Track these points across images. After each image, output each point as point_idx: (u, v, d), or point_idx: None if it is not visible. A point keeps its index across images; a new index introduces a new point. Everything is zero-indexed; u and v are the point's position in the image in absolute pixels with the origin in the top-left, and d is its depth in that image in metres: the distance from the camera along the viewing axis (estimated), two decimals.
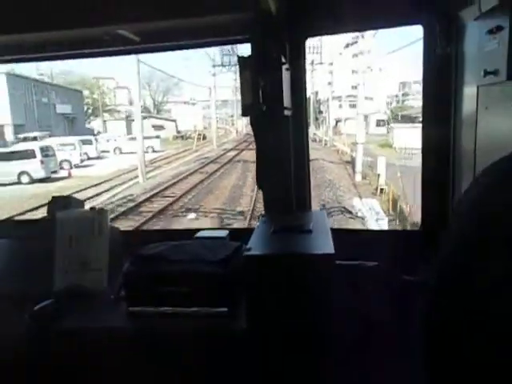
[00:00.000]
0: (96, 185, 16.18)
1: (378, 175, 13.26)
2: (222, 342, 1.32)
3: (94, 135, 31.74)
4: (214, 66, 29.77)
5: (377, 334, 1.50)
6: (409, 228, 8.52)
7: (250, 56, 1.59)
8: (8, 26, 1.57)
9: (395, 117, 39.08)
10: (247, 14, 1.56)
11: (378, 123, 38.97)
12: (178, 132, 45.13)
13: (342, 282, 1.31)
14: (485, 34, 1.29)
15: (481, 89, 1.41)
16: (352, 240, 1.73)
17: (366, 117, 38.12)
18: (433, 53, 1.63)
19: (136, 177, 17.25)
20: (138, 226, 9.82)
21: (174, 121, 46.94)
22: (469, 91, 1.53)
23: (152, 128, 41.62)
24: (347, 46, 20.90)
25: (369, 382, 1.52)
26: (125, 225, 9.92)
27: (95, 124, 46.30)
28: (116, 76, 58.68)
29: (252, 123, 1.69)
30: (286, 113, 1.65)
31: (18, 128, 29.34)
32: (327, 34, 2.08)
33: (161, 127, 43.08)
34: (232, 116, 55.35)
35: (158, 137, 31.16)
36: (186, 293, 1.36)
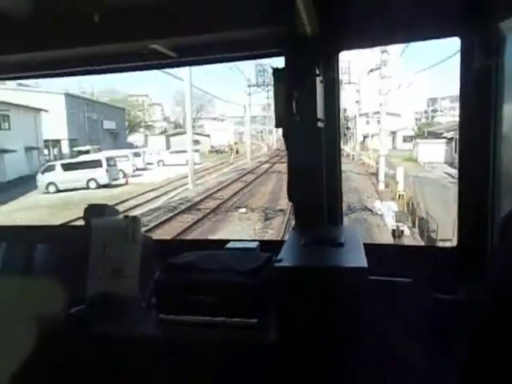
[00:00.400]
0: (152, 190, 19.25)
1: (397, 182, 15.63)
2: (251, 353, 1.34)
3: (134, 148, 35.39)
4: (249, 86, 33.04)
5: (408, 351, 1.48)
6: (417, 221, 10.89)
7: (284, 68, 1.65)
8: (50, 42, 1.68)
9: (421, 133, 40.89)
10: (281, 28, 1.60)
11: (405, 139, 41.04)
12: (212, 146, 48.62)
13: (374, 298, 1.31)
14: None
15: None
16: (385, 255, 1.72)
17: (393, 133, 40.24)
18: (471, 66, 1.59)
19: (185, 184, 20.24)
20: (199, 219, 12.61)
21: (209, 136, 50.48)
22: (510, 105, 1.50)
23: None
24: (371, 71, 23.49)
25: None
26: (188, 218, 12.77)
27: (132, 139, 50.39)
28: (150, 93, 63.52)
29: (284, 135, 1.73)
30: (319, 125, 1.68)
31: (72, 142, 33.35)
32: (361, 47, 2.03)
33: (197, 142, 46.56)
34: (261, 132, 58.54)
35: (197, 150, 34.40)
36: (216, 302, 1.41)
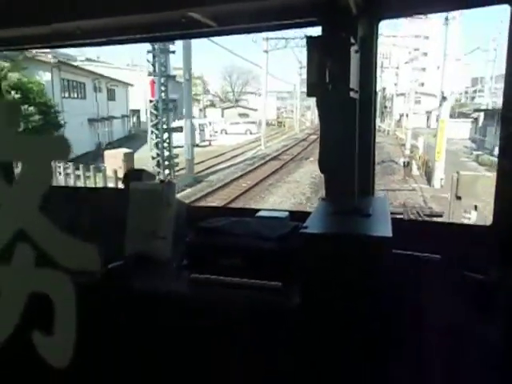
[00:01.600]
0: (233, 149, 27.21)
1: (418, 148, 22.91)
2: (274, 315, 1.44)
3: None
4: (300, 67, 40.20)
5: (432, 328, 1.47)
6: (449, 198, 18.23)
7: (319, 36, 1.68)
8: (90, 12, 1.75)
9: (454, 113, 47.17)
10: None
11: (438, 119, 47.32)
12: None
13: (401, 272, 1.36)
14: None
15: None
16: (414, 230, 1.78)
17: (428, 112, 46.49)
18: None
19: (257, 146, 28.11)
20: (284, 163, 20.35)
21: (256, 110, 58.02)
22: None
23: (238, 116, 53.19)
24: (407, 62, 30.31)
25: (424, 375, 1.50)
26: (275, 163, 20.59)
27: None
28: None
29: (318, 104, 1.78)
30: (353, 95, 1.69)
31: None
32: (403, 16, 2.21)
33: (245, 115, 54.27)
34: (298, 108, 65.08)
35: (254, 122, 42.31)
36: (244, 265, 1.54)
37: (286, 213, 1.92)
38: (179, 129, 29.92)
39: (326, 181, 1.90)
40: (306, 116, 58.87)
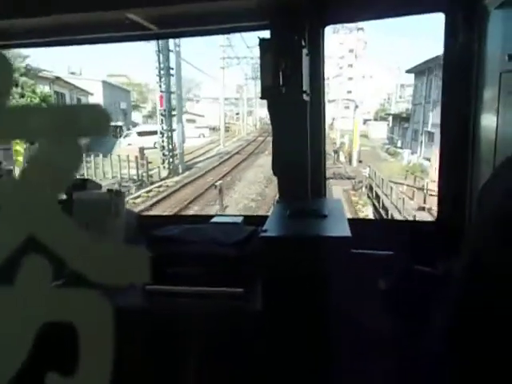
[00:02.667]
0: (196, 150, 33.69)
1: (344, 143, 31.24)
2: (236, 322, 1.47)
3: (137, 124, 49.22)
4: (246, 79, 47.74)
5: (388, 323, 1.59)
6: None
7: (272, 38, 1.78)
8: (22, 9, 1.70)
9: (377, 117, 57.75)
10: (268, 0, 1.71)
11: (365, 122, 57.47)
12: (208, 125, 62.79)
13: (357, 270, 1.42)
14: (509, 21, 1.48)
15: (504, 75, 1.55)
16: (366, 229, 1.88)
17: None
18: (454, 42, 1.75)
19: (216, 146, 34.92)
20: (246, 157, 27.45)
21: (203, 116, 64.55)
22: (491, 78, 1.68)
23: (186, 121, 59.25)
24: (334, 77, 39.07)
25: (380, 369, 1.58)
26: (237, 157, 27.56)
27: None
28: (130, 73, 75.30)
29: (269, 107, 1.88)
30: (305, 98, 1.80)
31: None
32: (347, 21, 2.44)
33: (193, 121, 60.57)
34: (237, 114, 71.84)
35: (207, 127, 49.10)
36: (202, 273, 1.56)
37: (241, 217, 1.99)
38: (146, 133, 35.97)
39: (279, 183, 2.04)
40: (248, 121, 66.05)
